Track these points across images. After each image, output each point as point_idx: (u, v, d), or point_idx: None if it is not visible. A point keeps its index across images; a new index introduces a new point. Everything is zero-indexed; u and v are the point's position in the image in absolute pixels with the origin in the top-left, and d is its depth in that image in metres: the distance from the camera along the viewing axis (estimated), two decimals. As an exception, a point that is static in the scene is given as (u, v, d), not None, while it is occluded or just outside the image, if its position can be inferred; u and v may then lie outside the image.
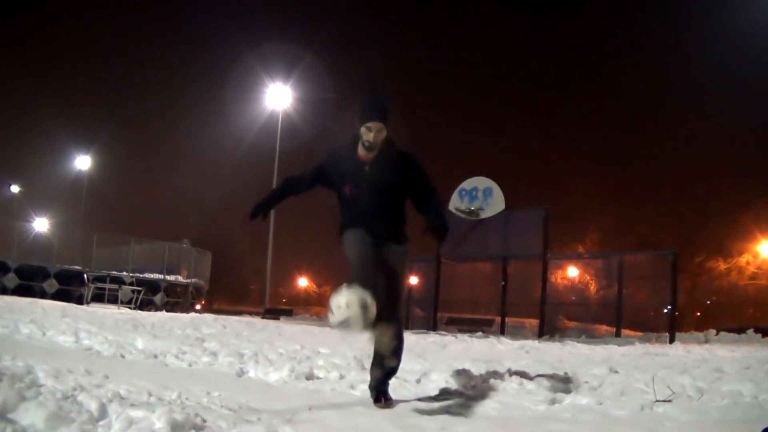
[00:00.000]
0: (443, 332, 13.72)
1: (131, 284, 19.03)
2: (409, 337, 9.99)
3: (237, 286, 40.71)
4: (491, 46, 52.27)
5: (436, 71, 52.42)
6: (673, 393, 3.20)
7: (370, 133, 2.96)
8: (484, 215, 15.36)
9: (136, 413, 2.20)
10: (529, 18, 50.95)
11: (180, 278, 21.57)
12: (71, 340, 5.22)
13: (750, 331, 15.48)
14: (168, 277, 20.86)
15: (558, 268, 19.72)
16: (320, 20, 51.14)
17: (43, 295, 16.87)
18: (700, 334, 15.50)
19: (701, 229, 28.69)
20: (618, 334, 13.81)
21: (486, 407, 3.07)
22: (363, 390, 3.52)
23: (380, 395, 3.04)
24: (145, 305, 18.85)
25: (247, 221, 3.14)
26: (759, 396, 3.21)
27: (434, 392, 3.45)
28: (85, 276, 18.32)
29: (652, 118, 38.93)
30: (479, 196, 15.50)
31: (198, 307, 22.06)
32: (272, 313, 21.67)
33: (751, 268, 28.34)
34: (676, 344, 11.15)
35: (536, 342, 10.44)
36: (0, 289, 16.67)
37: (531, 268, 15.59)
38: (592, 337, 13.82)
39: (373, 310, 2.66)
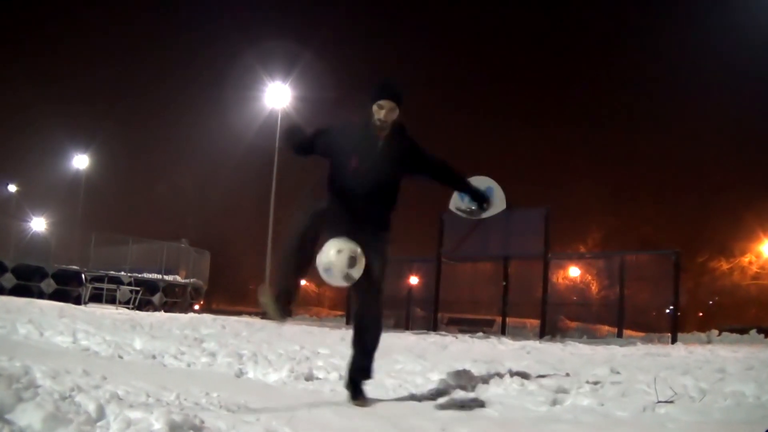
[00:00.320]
0: (444, 332, 13.71)
1: (129, 284, 18.97)
2: (409, 338, 10.02)
3: (236, 286, 40.69)
4: (492, 45, 52.31)
5: (436, 70, 52.46)
6: (675, 394, 3.18)
7: (381, 111, 2.97)
8: (484, 215, 15.28)
9: (134, 414, 2.19)
10: (530, 16, 50.98)
11: (178, 278, 21.53)
12: (69, 340, 5.20)
13: (753, 332, 15.49)
14: (166, 277, 20.82)
15: (559, 268, 19.75)
16: (320, 18, 51.21)
17: (40, 295, 16.82)
18: (703, 335, 15.52)
19: (704, 229, 28.73)
20: (620, 335, 13.80)
21: (487, 408, 3.05)
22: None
23: (358, 393, 3.05)
24: (144, 305, 18.81)
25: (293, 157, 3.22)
26: (762, 397, 3.19)
27: (435, 393, 3.43)
28: (83, 276, 18.27)
29: (654, 116, 38.98)
30: (480, 196, 15.47)
31: (196, 307, 22.03)
32: (272, 314, 21.61)
33: (754, 268, 28.36)
34: (678, 345, 11.12)
35: (537, 342, 10.43)
36: (-3, 290, 16.67)
37: (532, 268, 15.58)
38: (593, 338, 13.80)
39: (360, 265, 2.79)
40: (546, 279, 14.89)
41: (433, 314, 16.28)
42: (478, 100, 49.66)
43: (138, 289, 18.89)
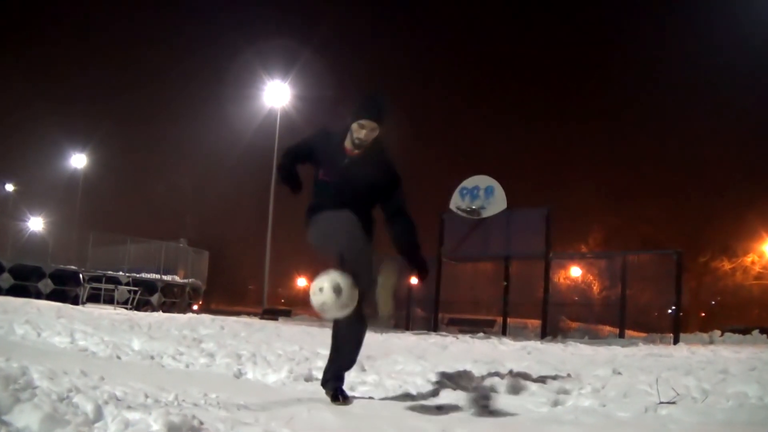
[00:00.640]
0: (444, 333, 13.70)
1: (127, 284, 18.92)
2: (410, 338, 10.00)
3: (235, 287, 40.70)
4: (493, 44, 52.33)
5: (438, 69, 52.50)
6: (678, 395, 3.16)
7: (362, 131, 2.92)
8: (485, 214, 15.34)
9: (132, 415, 2.18)
10: (532, 16, 50.98)
11: (177, 278, 21.49)
12: (67, 341, 5.18)
13: (755, 332, 15.46)
14: (165, 277, 20.77)
15: (560, 267, 19.73)
16: (320, 16, 51.20)
17: (38, 295, 16.77)
18: (705, 335, 15.48)
19: (706, 229, 28.66)
20: (621, 335, 13.78)
21: (487, 409, 3.03)
22: (362, 392, 3.48)
23: (338, 393, 3.00)
24: (142, 306, 18.76)
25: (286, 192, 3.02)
26: (765, 398, 3.18)
27: (435, 394, 3.41)
28: (81, 276, 18.22)
29: (656, 116, 38.97)
30: (480, 195, 15.48)
31: (195, 307, 21.98)
32: (271, 314, 21.61)
33: (757, 268, 28.31)
34: (681, 345, 11.11)
35: (538, 343, 10.40)
36: (-6, 290, 16.66)
37: (533, 268, 15.57)
38: (595, 338, 13.79)
39: (348, 293, 2.66)
40: (547, 279, 14.88)
41: (433, 314, 16.27)
42: (480, 100, 49.78)
43: (136, 289, 18.85)
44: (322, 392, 3.10)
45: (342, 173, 2.99)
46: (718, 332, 15.66)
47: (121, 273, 19.52)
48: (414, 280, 17.64)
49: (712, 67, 38.31)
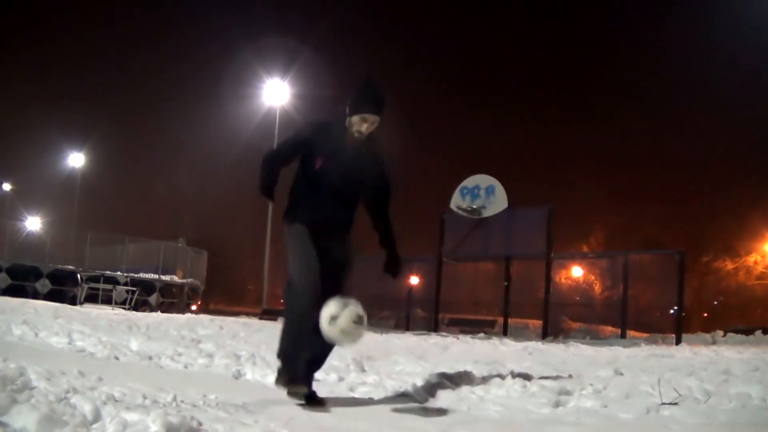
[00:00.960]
0: (444, 333, 13.67)
1: (126, 284, 18.92)
2: (410, 339, 9.98)
3: (234, 287, 40.66)
4: (495, 43, 52.33)
5: (439, 68, 52.52)
6: (680, 395, 3.14)
7: (363, 124, 2.93)
8: (486, 214, 15.31)
9: (130, 416, 2.18)
10: (533, 15, 50.99)
11: (175, 278, 21.48)
12: (64, 341, 5.16)
13: (758, 332, 15.42)
14: (163, 277, 20.77)
15: (562, 267, 19.65)
16: (319, 14, 51.21)
17: (35, 295, 16.79)
18: (707, 336, 15.43)
19: (708, 229, 28.64)
20: (623, 336, 13.76)
21: (488, 410, 3.02)
22: (362, 392, 3.47)
23: (312, 400, 2.88)
24: (140, 306, 18.76)
25: (260, 198, 3.05)
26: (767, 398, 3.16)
27: (435, 394, 3.39)
28: (79, 276, 18.22)
29: (658, 115, 38.94)
30: (481, 195, 15.45)
31: (194, 307, 21.98)
32: (270, 314, 21.53)
33: (759, 268, 28.28)
34: (683, 346, 11.06)
35: (540, 343, 10.38)
36: (-8, 290, 16.66)
37: (534, 268, 15.54)
38: (596, 339, 13.77)
39: (365, 321, 2.67)
40: (548, 279, 14.84)
41: (433, 315, 16.23)
42: (481, 99, 49.74)
43: (134, 289, 18.84)
44: (321, 393, 3.08)
45: (343, 162, 2.98)
46: (720, 332, 15.61)
47: (119, 273, 19.52)
48: (415, 280, 17.64)
49: (715, 65, 38.31)
